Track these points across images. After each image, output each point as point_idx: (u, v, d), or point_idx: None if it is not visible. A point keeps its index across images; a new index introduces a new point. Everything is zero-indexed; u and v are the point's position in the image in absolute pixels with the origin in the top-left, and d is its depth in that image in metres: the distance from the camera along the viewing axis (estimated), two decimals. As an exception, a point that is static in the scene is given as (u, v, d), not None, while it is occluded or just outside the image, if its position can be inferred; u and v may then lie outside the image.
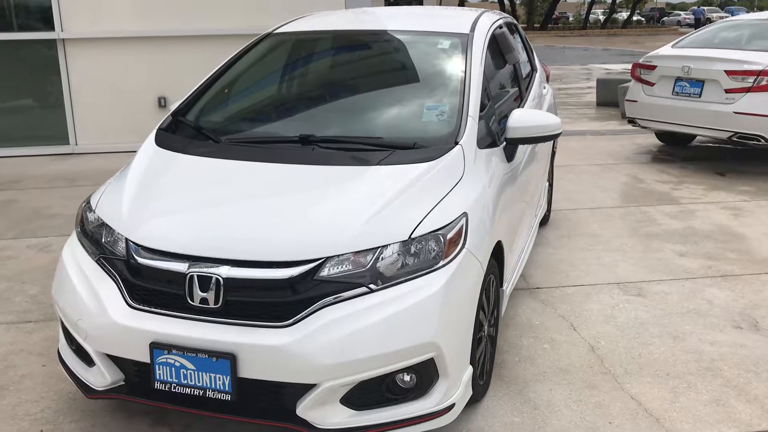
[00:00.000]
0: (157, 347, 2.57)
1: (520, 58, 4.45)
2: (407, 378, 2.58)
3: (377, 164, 2.93)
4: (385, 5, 11.34)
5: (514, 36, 4.64)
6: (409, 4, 14.04)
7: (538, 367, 3.44)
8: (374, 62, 3.76)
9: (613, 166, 7.64)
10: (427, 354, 2.53)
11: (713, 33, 8.12)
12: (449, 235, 2.67)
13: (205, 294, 2.56)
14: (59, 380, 3.35)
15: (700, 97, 7.20)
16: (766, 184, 6.83)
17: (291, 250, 2.56)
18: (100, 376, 2.76)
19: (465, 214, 2.78)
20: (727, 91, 6.96)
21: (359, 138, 3.18)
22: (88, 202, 3.11)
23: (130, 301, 2.67)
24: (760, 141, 6.86)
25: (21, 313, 4.09)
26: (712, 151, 8.46)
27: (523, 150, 3.78)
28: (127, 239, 2.75)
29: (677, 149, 8.55)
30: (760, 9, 75.42)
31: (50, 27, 8.24)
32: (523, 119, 3.44)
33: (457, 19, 4.05)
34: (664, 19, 67.96)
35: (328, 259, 2.55)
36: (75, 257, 2.93)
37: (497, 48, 4.00)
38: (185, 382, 2.57)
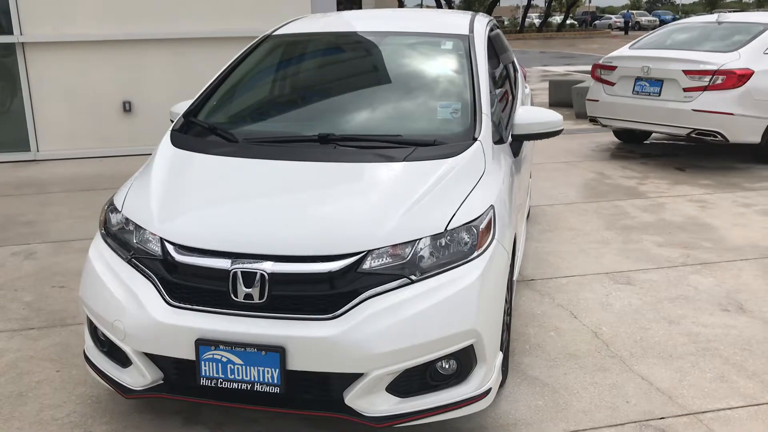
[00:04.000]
0: (203, 344, 2.60)
1: (513, 58, 4.62)
2: (447, 365, 2.68)
3: (403, 160, 3.03)
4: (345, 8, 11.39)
5: None
6: (360, 7, 14.13)
7: (548, 354, 3.59)
8: (382, 62, 3.85)
9: (578, 164, 7.91)
10: (468, 341, 2.64)
11: (666, 35, 8.50)
12: (481, 227, 2.79)
13: (249, 290, 2.60)
14: (78, 384, 3.33)
15: (659, 95, 7.53)
16: (725, 177, 7.20)
17: (334, 245, 2.63)
18: (139, 376, 2.77)
19: (492, 207, 2.90)
20: (685, 89, 7.31)
21: (378, 136, 3.27)
22: (112, 204, 3.10)
23: (170, 300, 2.69)
24: (717, 137, 7.23)
25: (21, 320, 4.02)
26: (668, 147, 8.84)
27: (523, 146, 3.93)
28: (162, 239, 2.77)
29: (635, 146, 8.90)
30: (685, 13, 78.46)
31: (8, 31, 8.03)
32: (528, 116, 3.59)
33: (453, 21, 4.18)
34: (595, 22, 69.95)
35: (369, 252, 2.62)
36: (104, 259, 2.92)
37: (493, 48, 4.14)
38: (232, 377, 2.61)
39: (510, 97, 4.24)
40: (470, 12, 4.61)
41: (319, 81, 3.84)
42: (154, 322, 2.65)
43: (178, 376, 2.76)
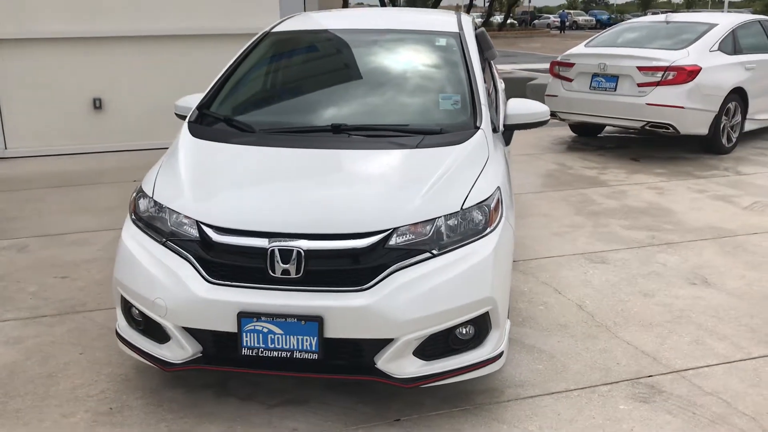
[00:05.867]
0: (245, 316, 2.81)
1: (496, 54, 4.93)
2: (466, 330, 2.96)
3: (416, 147, 3.30)
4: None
5: None
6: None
7: (541, 325, 3.91)
8: (383, 57, 4.11)
9: (540, 156, 8.32)
10: (485, 308, 2.92)
11: (618, 33, 9.00)
12: (491, 206, 3.08)
13: (287, 266, 2.83)
14: (104, 365, 3.49)
15: (615, 90, 7.99)
16: (677, 166, 7.70)
17: (364, 223, 2.88)
18: (180, 350, 2.96)
19: (498, 188, 3.20)
20: (639, 85, 7.78)
21: (387, 125, 3.54)
22: (141, 191, 3.28)
23: (209, 278, 2.89)
24: (669, 129, 7.72)
25: (31, 309, 4.13)
26: (621, 140, 9.34)
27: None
28: (198, 222, 2.96)
29: (590, 139, 9.37)
30: (619, 13, 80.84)
31: (-27, 28, 7.98)
32: (520, 107, 3.89)
33: (441, 20, 4.46)
34: (534, 22, 71.57)
35: (395, 229, 2.88)
36: (138, 242, 3.10)
37: (479, 45, 4.44)
38: (272, 346, 2.83)
39: (494, 91, 4.54)
40: (452, 11, 4.90)
41: (325, 74, 4.07)
42: (197, 298, 2.85)
43: (216, 348, 2.96)
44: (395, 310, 2.78)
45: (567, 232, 5.48)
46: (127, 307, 3.15)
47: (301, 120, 3.71)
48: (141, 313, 3.05)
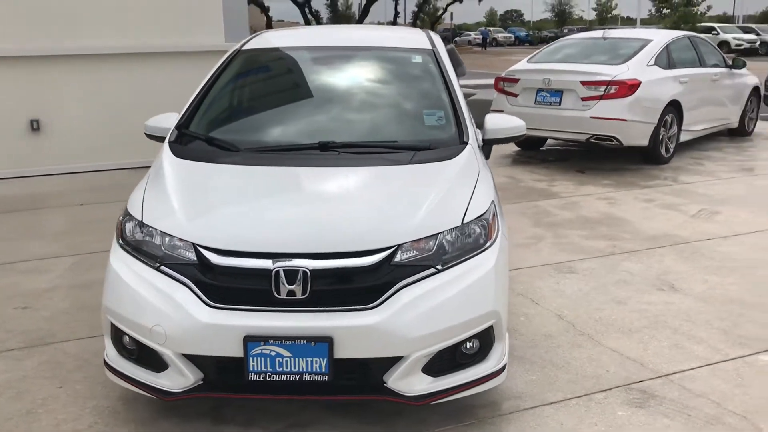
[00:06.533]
0: (251, 340, 2.73)
1: (465, 71, 5.00)
2: (471, 345, 2.97)
3: (409, 163, 3.30)
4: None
5: None
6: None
7: (525, 336, 3.96)
8: (360, 75, 4.10)
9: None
10: (490, 321, 2.94)
11: (558, 49, 9.27)
12: (489, 220, 3.11)
13: (292, 286, 2.77)
14: (88, 398, 3.33)
15: (560, 105, 8.23)
16: (622, 177, 7.97)
17: (369, 240, 2.85)
18: (180, 378, 2.85)
19: (493, 202, 3.24)
20: (583, 99, 8.03)
21: (376, 142, 3.53)
22: (128, 213, 3.15)
23: (210, 302, 2.80)
24: (613, 141, 8.00)
25: (-4, 342, 3.91)
26: (563, 152, 9.61)
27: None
28: (195, 244, 2.87)
29: (534, 152, 9.60)
30: (537, 29, 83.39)
31: None
32: (498, 122, 3.94)
33: (412, 37, 4.49)
34: (456, 38, 73.02)
35: (400, 246, 2.87)
36: (128, 267, 2.98)
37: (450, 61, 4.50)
38: (281, 369, 2.76)
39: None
40: (420, 29, 4.95)
41: (304, 92, 4.02)
42: (199, 324, 2.76)
43: (219, 374, 2.87)
44: (405, 327, 2.77)
45: (531, 244, 5.58)
46: (118, 335, 3.02)
47: (286, 138, 3.65)
48: (134, 341, 2.94)
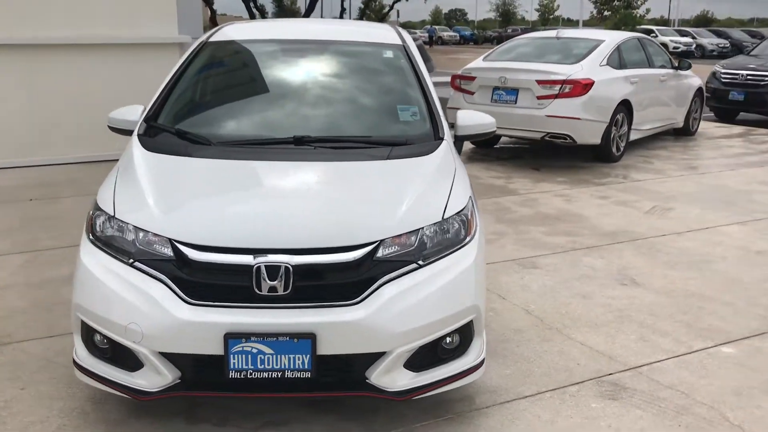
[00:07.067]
0: (232, 337, 2.68)
1: (434, 67, 5.00)
2: (451, 339, 2.97)
3: (387, 158, 3.28)
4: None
5: None
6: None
7: (496, 331, 3.99)
8: (331, 68, 4.05)
9: (446, 166, 8.50)
10: (470, 316, 2.95)
11: (513, 48, 9.39)
12: (468, 215, 3.12)
13: (274, 282, 2.72)
14: (54, 399, 3.21)
15: (516, 103, 8.32)
16: (576, 175, 8.12)
17: (351, 235, 2.82)
18: (156, 377, 2.77)
19: (471, 197, 3.25)
20: (538, 97, 8.15)
21: (350, 137, 3.50)
22: (98, 208, 3.05)
23: (187, 299, 2.73)
24: (567, 139, 8.14)
25: (-51, 343, 3.73)
26: (516, 150, 9.73)
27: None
28: (171, 240, 2.80)
29: (488, 150, 9.69)
30: (481, 29, 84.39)
31: None
32: (469, 119, 3.96)
33: (381, 32, 4.46)
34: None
35: (382, 241, 2.85)
36: (100, 263, 2.88)
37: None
38: (262, 366, 2.71)
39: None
40: (387, 24, 4.94)
41: (275, 85, 3.95)
42: (178, 321, 2.69)
43: (198, 372, 2.80)
44: (389, 322, 2.75)
45: (494, 239, 5.63)
46: (89, 334, 2.91)
47: (259, 132, 3.59)
48: (107, 339, 2.84)
